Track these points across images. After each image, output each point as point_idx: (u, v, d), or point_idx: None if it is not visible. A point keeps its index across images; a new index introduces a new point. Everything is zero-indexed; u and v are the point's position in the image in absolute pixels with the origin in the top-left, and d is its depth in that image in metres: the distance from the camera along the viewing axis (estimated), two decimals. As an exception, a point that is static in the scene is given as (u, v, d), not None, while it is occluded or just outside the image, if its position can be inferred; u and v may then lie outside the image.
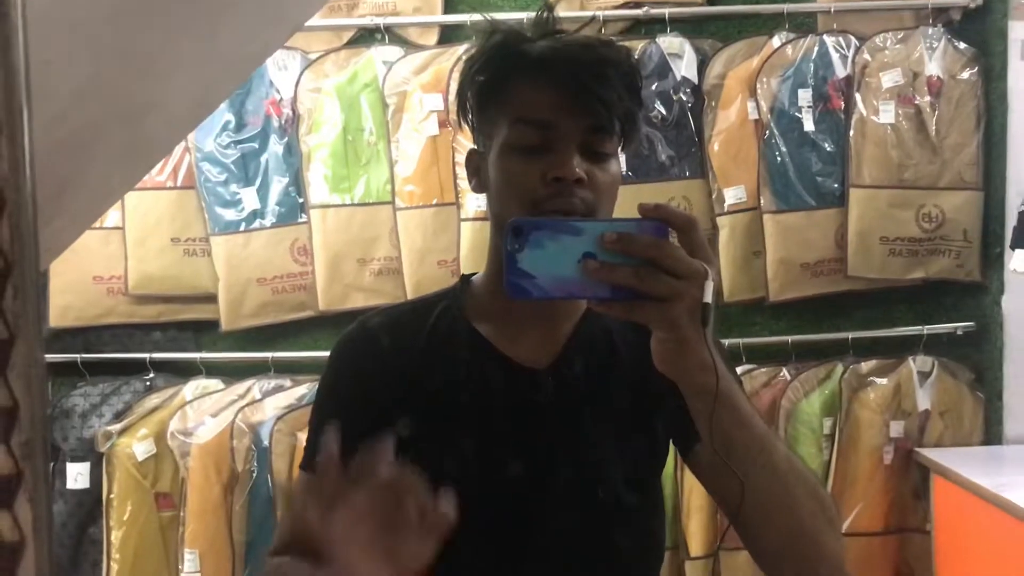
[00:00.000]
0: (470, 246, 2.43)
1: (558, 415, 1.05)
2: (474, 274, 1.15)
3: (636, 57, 1.01)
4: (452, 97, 2.45)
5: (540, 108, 0.98)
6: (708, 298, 0.79)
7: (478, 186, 1.08)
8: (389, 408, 1.03)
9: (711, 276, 0.80)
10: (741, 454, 0.88)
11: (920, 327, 2.52)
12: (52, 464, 2.48)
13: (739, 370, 2.42)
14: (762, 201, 2.47)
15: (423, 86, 2.47)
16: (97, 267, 2.51)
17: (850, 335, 2.53)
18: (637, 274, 0.79)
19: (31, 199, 0.47)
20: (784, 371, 2.50)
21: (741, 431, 0.87)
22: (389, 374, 1.06)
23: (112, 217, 2.48)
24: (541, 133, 0.98)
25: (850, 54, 2.48)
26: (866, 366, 2.51)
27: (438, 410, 1.05)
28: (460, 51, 2.48)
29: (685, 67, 2.48)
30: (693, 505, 2.42)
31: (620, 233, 0.80)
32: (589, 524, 1.05)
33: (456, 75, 2.44)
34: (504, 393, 1.05)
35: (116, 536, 2.44)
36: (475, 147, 1.09)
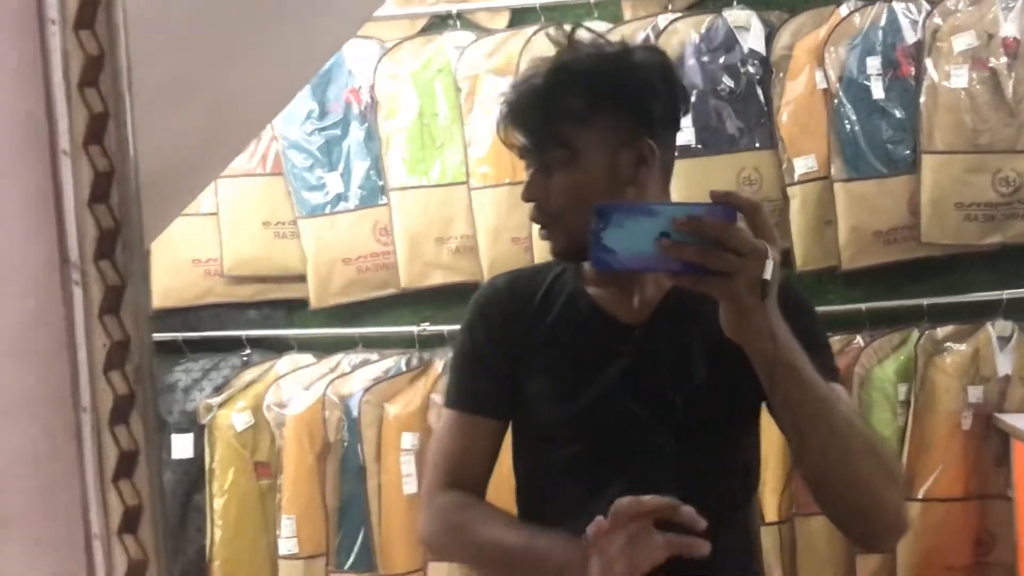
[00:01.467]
0: (543, 222, 2.51)
1: (649, 364, 1.19)
2: None
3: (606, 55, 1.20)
4: (522, 79, 2.52)
5: (505, 136, 1.23)
6: (767, 275, 0.91)
7: None
8: (508, 354, 1.23)
9: (772, 255, 0.91)
10: (799, 412, 0.99)
11: (999, 292, 2.50)
12: (158, 436, 2.66)
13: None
14: (832, 170, 2.48)
15: (494, 69, 2.55)
16: (195, 251, 2.67)
17: (925, 301, 2.52)
18: (704, 252, 0.90)
19: (135, 172, 0.57)
20: (858, 338, 2.51)
21: (799, 392, 0.98)
22: (510, 324, 1.24)
23: (207, 203, 2.64)
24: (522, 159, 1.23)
25: (920, 19, 2.46)
26: (942, 332, 2.50)
27: (547, 355, 1.22)
28: (529, 34, 2.55)
29: (752, 39, 2.51)
30: (767, 472, 2.45)
31: (690, 216, 0.91)
32: (669, 460, 1.18)
33: (525, 57, 2.52)
34: (602, 343, 1.20)
35: (218, 503, 2.60)
36: None
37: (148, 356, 0.56)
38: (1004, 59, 2.43)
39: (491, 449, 1.25)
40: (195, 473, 2.63)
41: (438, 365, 2.58)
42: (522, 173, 2.45)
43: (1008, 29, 2.43)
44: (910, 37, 2.46)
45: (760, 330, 0.93)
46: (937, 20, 2.45)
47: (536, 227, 2.50)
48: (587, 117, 1.16)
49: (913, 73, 2.46)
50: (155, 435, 0.56)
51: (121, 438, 0.55)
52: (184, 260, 2.67)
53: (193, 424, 2.62)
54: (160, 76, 1.11)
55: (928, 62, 2.45)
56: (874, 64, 2.44)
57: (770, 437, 2.29)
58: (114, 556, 0.55)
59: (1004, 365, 2.47)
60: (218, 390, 2.63)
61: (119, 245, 0.55)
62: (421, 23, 2.68)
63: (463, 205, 2.59)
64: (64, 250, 0.54)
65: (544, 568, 1.10)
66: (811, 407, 0.98)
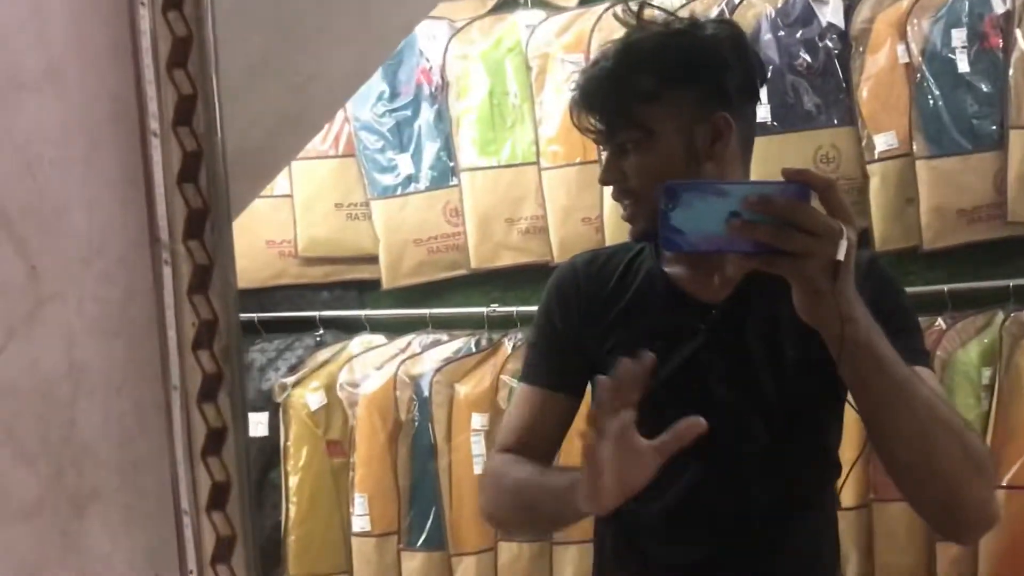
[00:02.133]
0: (613, 203, 2.48)
1: (721, 343, 1.18)
2: None
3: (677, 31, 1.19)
4: (593, 57, 2.50)
5: (578, 122, 1.23)
6: (841, 255, 0.87)
7: None
8: (585, 332, 1.25)
9: (847, 235, 0.88)
10: (877, 397, 0.96)
11: (1089, 273, 2.40)
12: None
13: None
14: (915, 147, 2.40)
15: (565, 47, 2.53)
16: (269, 232, 2.72)
17: (1011, 283, 2.42)
18: (775, 232, 0.88)
19: (222, 153, 0.57)
20: (940, 320, 2.44)
21: (878, 377, 0.95)
22: (587, 302, 1.26)
23: (281, 185, 2.68)
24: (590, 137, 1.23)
25: (1009, -12, 2.36)
26: (1029, 314, 2.41)
27: (625, 333, 1.22)
28: (600, 11, 2.52)
29: (831, 13, 2.44)
30: (844, 457, 2.40)
31: (761, 194, 0.89)
32: (747, 437, 1.18)
33: (596, 35, 2.50)
34: (679, 322, 1.20)
35: (293, 481, 2.65)
36: None
37: (236, 335, 0.57)
38: (1098, 29, 2.32)
39: (560, 426, 1.26)
40: (270, 451, 2.69)
41: (507, 346, 2.58)
42: (593, 152, 2.48)
43: (1104, -3, 2.33)
44: (999, 7, 2.36)
45: (834, 312, 0.90)
46: (1027, -11, 2.35)
47: (610, 207, 2.51)
48: (658, 95, 1.15)
49: (1001, 45, 2.36)
50: (242, 413, 0.57)
51: (209, 415, 0.56)
52: (258, 241, 2.72)
53: (268, 403, 2.67)
54: (242, 58, 1.12)
55: (1017, 33, 2.34)
56: (959, 36, 2.35)
57: (847, 420, 2.25)
58: (203, 532, 0.56)
59: (1094, 348, 2.37)
60: (292, 370, 2.68)
61: (208, 225, 0.56)
62: (491, 2, 2.66)
63: (533, 185, 2.58)
64: (154, 230, 0.55)
65: (557, 498, 1.11)
66: (888, 392, 0.96)
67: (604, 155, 1.20)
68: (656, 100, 1.15)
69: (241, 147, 1.26)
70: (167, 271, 0.55)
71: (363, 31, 1.32)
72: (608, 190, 2.43)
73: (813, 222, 0.87)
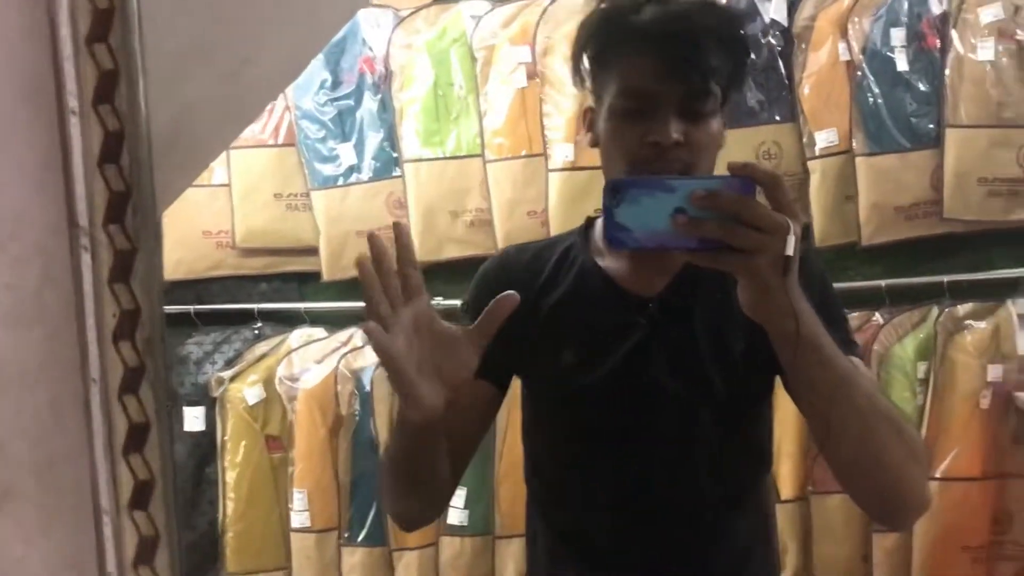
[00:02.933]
0: (558, 196, 2.48)
1: (661, 337, 1.16)
2: (598, 217, 1.27)
3: (740, 15, 1.12)
4: (539, 49, 2.49)
5: (640, 78, 1.08)
6: (790, 251, 0.86)
7: (592, 140, 1.19)
8: (515, 324, 1.16)
9: (794, 230, 0.87)
10: (821, 390, 0.95)
11: (1020, 269, 2.45)
12: (170, 407, 2.65)
13: (830, 315, 2.42)
14: (854, 144, 2.43)
15: (511, 39, 2.51)
16: (206, 222, 2.65)
17: (946, 278, 2.47)
18: (722, 228, 0.86)
19: (147, 133, 0.54)
20: (877, 315, 2.48)
21: (822, 370, 0.94)
22: (519, 293, 1.18)
23: (219, 174, 2.62)
24: (641, 100, 1.08)
25: (947, -10, 2.41)
26: (963, 309, 2.46)
27: (554, 326, 1.19)
28: (546, 3, 2.51)
29: (774, 9, 2.46)
30: (783, 451, 2.43)
31: (708, 190, 0.87)
32: (682, 433, 1.16)
33: (543, 26, 2.49)
34: (614, 315, 1.18)
35: (230, 476, 2.60)
36: (590, 104, 1.20)
37: (159, 326, 0.54)
38: (1031, 31, 2.38)
39: (478, 414, 1.20)
40: (207, 446, 2.63)
41: (451, 339, 2.56)
42: (539, 145, 2.47)
43: (1036, 0, 2.38)
44: (936, 8, 2.40)
45: (781, 308, 0.89)
46: (964, -10, 2.40)
47: (555, 201, 2.49)
48: (737, 72, 1.12)
49: (938, 45, 2.41)
50: (167, 408, 0.54)
51: (131, 410, 0.53)
52: (195, 232, 2.66)
53: (205, 397, 2.61)
54: (173, 41, 1.08)
55: (954, 34, 2.39)
56: (899, 36, 2.39)
57: (786, 414, 2.27)
58: (124, 532, 0.53)
59: (1024, 343, 2.43)
60: (230, 363, 2.62)
61: (130, 209, 0.53)
62: (436, -9, 2.64)
63: (478, 178, 2.56)
64: (72, 214, 0.52)
65: (407, 426, 1.00)
66: (833, 385, 0.95)
67: (659, 113, 1.06)
68: (732, 76, 1.10)
69: (173, 134, 1.22)
70: (86, 258, 0.52)
71: (302, 16, 1.28)
72: (554, 182, 2.45)
73: (760, 218, 0.86)
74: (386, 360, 0.88)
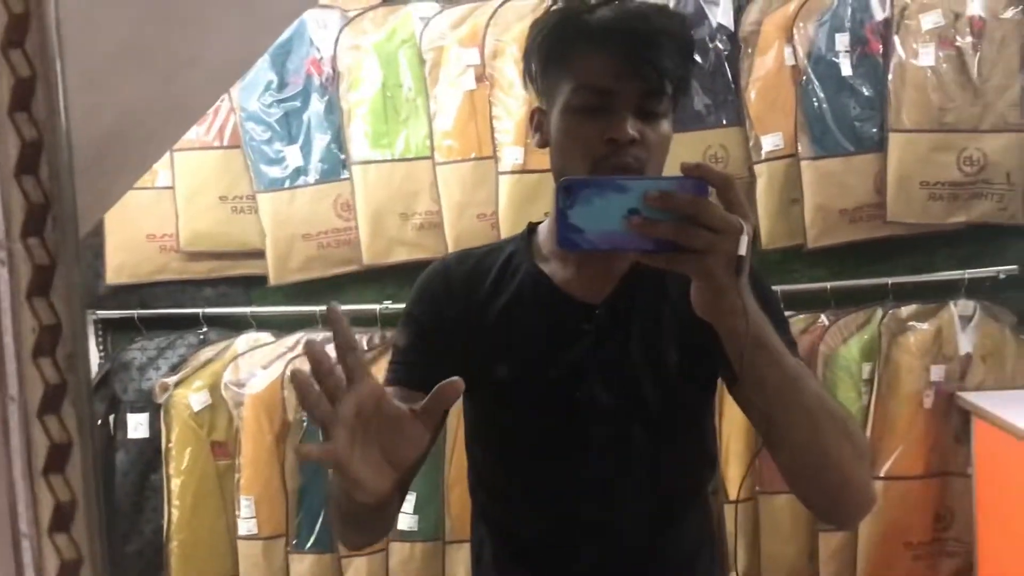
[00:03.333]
0: (508, 199, 2.47)
1: (607, 343, 1.15)
2: (541, 222, 1.27)
3: (688, 19, 1.10)
4: (489, 51, 2.48)
5: (599, 75, 1.07)
6: (742, 251, 0.86)
7: (541, 141, 1.17)
8: (457, 333, 1.17)
9: (746, 230, 0.87)
10: (771, 390, 0.96)
11: (962, 271, 2.51)
12: (113, 415, 2.60)
13: (777, 317, 2.45)
14: (799, 148, 2.47)
15: (459, 41, 2.50)
16: (150, 225, 2.60)
17: (890, 280, 2.52)
18: (677, 229, 0.86)
19: (67, 140, 0.52)
20: (823, 317, 2.51)
21: (771, 370, 0.95)
22: (459, 303, 1.19)
23: (163, 176, 2.57)
24: (599, 97, 1.07)
25: (889, -4, 2.45)
26: (906, 311, 2.50)
27: (499, 334, 1.17)
28: (496, 4, 2.50)
29: (721, 14, 2.48)
30: (732, 451, 2.46)
31: (662, 191, 0.87)
32: (630, 440, 1.16)
33: (492, 29, 2.48)
34: (560, 322, 1.16)
35: (175, 484, 2.55)
36: (539, 106, 1.18)
37: (82, 342, 0.52)
38: (970, 38, 2.43)
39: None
40: (151, 453, 2.58)
41: (401, 343, 2.54)
42: (488, 147, 2.46)
43: (974, 8, 2.43)
44: (879, 14, 2.44)
45: (734, 308, 0.89)
46: (905, -3, 2.44)
47: (505, 203, 2.48)
48: (687, 76, 1.11)
49: (881, 51, 2.45)
50: (90, 426, 0.52)
51: (52, 429, 0.51)
52: (138, 235, 2.61)
53: (149, 403, 2.56)
54: (111, 41, 1.05)
55: (896, 40, 2.44)
56: (843, 41, 2.43)
57: (734, 416, 2.29)
58: (45, 556, 0.51)
59: (966, 344, 2.48)
60: (174, 369, 2.58)
61: (49, 221, 0.51)
62: (385, -8, 2.62)
63: (428, 180, 2.54)
64: (-12, 226, 0.50)
65: (353, 502, 0.92)
66: (782, 384, 0.96)
67: (617, 110, 1.05)
68: (683, 79, 1.10)
69: (111, 136, 1.19)
70: (3, 272, 0.49)
71: (245, 15, 1.26)
72: (504, 185, 2.44)
73: (714, 218, 0.85)
74: (328, 464, 0.86)
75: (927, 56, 2.43)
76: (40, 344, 0.51)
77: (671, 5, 2.45)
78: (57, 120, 0.50)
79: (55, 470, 0.51)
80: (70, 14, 0.74)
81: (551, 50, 1.12)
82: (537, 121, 1.18)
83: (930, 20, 2.43)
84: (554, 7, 1.13)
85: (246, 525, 2.54)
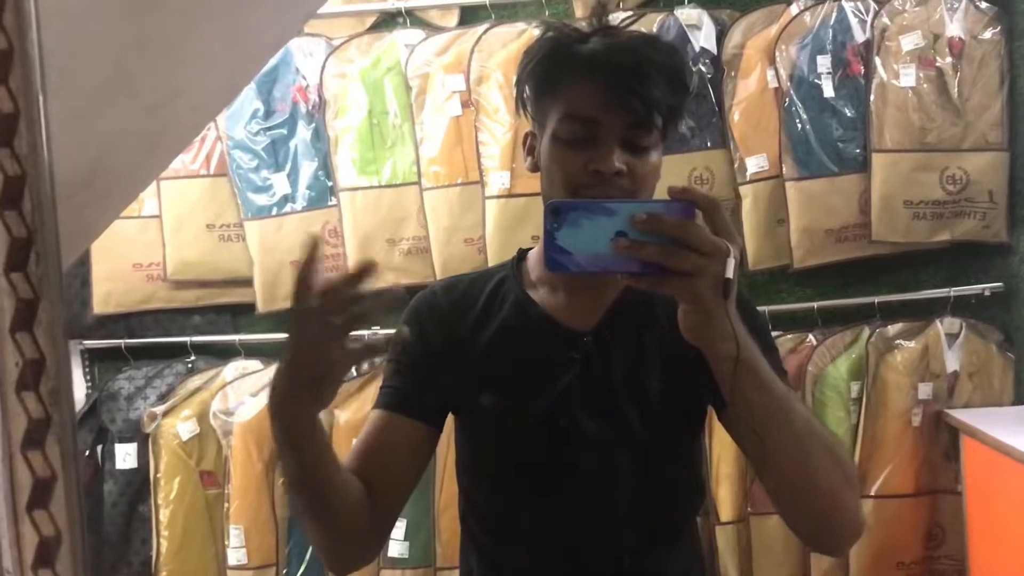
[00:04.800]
0: (495, 224, 2.48)
1: (594, 372, 1.15)
2: (531, 248, 1.27)
3: (681, 52, 1.10)
4: (474, 77, 2.49)
5: (586, 105, 1.07)
6: (730, 274, 0.87)
7: (533, 165, 1.18)
8: (445, 362, 1.17)
9: (733, 253, 0.87)
10: (760, 415, 0.96)
11: (947, 289, 2.52)
12: (101, 445, 2.58)
13: (765, 337, 2.46)
14: (784, 169, 2.48)
15: (445, 67, 2.51)
16: (136, 255, 2.60)
17: (876, 299, 2.53)
18: (664, 251, 0.86)
19: (49, 175, 0.52)
20: (810, 337, 2.52)
21: (760, 394, 0.95)
22: (447, 331, 1.19)
23: (149, 205, 2.57)
24: (586, 128, 1.07)
25: (869, 18, 2.47)
26: (893, 329, 2.52)
27: (488, 362, 1.17)
28: (480, 31, 2.52)
29: (704, 38, 2.50)
30: (722, 472, 2.45)
31: (649, 213, 0.87)
32: (620, 469, 1.15)
33: (477, 55, 2.49)
34: (549, 351, 1.16)
35: (164, 514, 2.54)
36: (532, 130, 1.18)
37: (66, 376, 0.52)
38: (949, 59, 2.46)
39: (411, 455, 1.16)
40: (139, 483, 2.57)
41: (390, 369, 2.53)
42: (475, 173, 2.47)
43: (953, 29, 2.46)
44: (859, 36, 2.47)
45: (722, 331, 0.89)
46: (885, 20, 2.47)
47: (492, 228, 2.48)
48: (677, 108, 1.11)
49: (863, 72, 2.48)
50: (74, 460, 0.52)
51: (36, 464, 0.51)
52: (125, 264, 2.60)
53: (137, 433, 2.55)
54: (96, 74, 1.06)
55: (877, 61, 2.46)
56: (824, 63, 2.45)
57: (724, 438, 2.28)
58: (29, 593, 0.51)
59: (952, 362, 2.49)
60: (162, 398, 2.57)
61: (33, 256, 0.51)
62: (370, 20, 2.63)
63: (415, 206, 2.55)
64: (-29, 261, 0.50)
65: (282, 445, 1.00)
66: (771, 409, 0.96)
67: (603, 142, 1.06)
68: (674, 112, 1.10)
69: (96, 167, 1.19)
70: (-14, 306, 0.49)
71: (229, 46, 1.26)
72: (491, 210, 2.44)
73: (701, 241, 0.86)
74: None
75: (908, 77, 2.46)
76: (23, 378, 0.51)
77: (655, 30, 2.48)
78: (40, 155, 0.51)
79: (39, 505, 0.51)
80: (54, 48, 0.75)
81: (542, 78, 1.13)
82: (530, 145, 1.18)
83: (910, 41, 2.46)
84: (548, 35, 1.14)
85: (236, 555, 2.52)
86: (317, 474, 1.02)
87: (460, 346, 1.18)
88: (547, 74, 1.12)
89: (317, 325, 0.90)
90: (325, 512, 1.06)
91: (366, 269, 0.91)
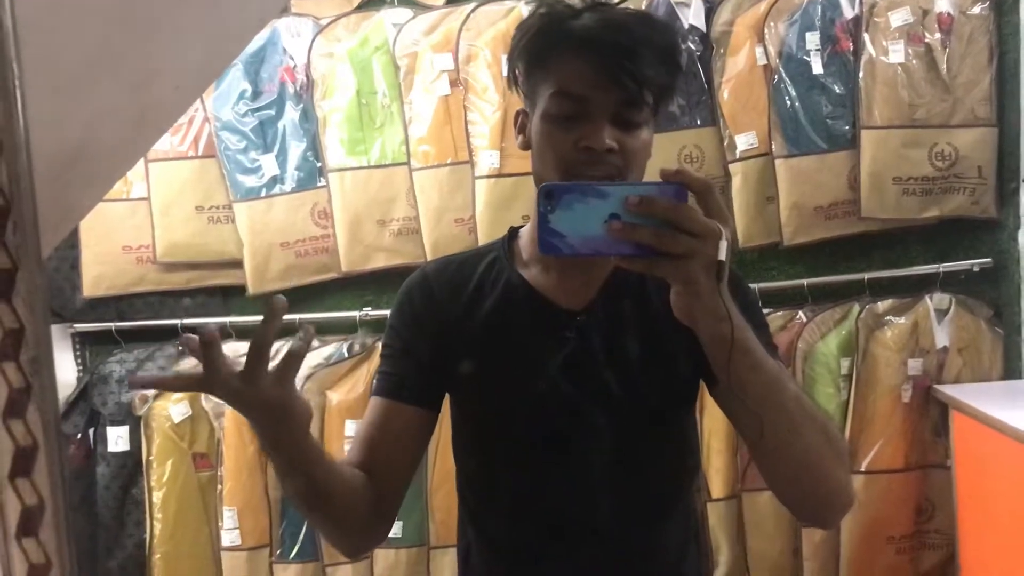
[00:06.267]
0: (485, 203, 2.48)
1: (588, 350, 1.15)
2: (521, 227, 1.27)
3: (674, 29, 1.11)
4: (462, 56, 2.49)
5: (577, 82, 1.07)
6: (722, 255, 0.87)
7: (524, 144, 1.18)
8: (440, 342, 1.18)
9: (726, 235, 0.88)
10: (753, 394, 0.96)
11: (936, 265, 2.53)
12: (93, 428, 2.58)
13: (755, 314, 2.46)
14: (773, 146, 2.48)
15: (433, 47, 2.50)
16: (126, 237, 2.59)
17: (866, 276, 2.54)
18: (657, 234, 0.86)
19: (25, 143, 0.52)
20: (800, 313, 2.53)
21: (753, 374, 0.96)
22: (441, 312, 1.20)
23: (138, 188, 2.56)
24: (576, 105, 1.07)
25: (857, -6, 2.47)
26: (882, 306, 2.52)
27: (483, 342, 1.18)
28: (468, 9, 2.51)
29: (693, 15, 2.49)
30: (713, 448, 2.47)
31: (642, 196, 0.87)
32: (615, 445, 1.16)
33: (465, 34, 2.49)
34: (541, 329, 1.17)
35: (157, 496, 2.54)
36: (523, 108, 1.18)
37: (46, 345, 0.52)
38: (938, 35, 2.45)
39: (413, 440, 1.19)
40: (132, 466, 2.57)
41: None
42: (464, 152, 2.46)
43: (942, 5, 2.46)
44: (848, 12, 2.47)
45: (715, 312, 0.90)
46: (874, -5, 2.46)
47: (482, 208, 2.47)
48: (669, 86, 1.11)
49: (852, 48, 2.47)
50: (56, 429, 0.52)
51: (17, 433, 0.51)
52: (115, 247, 2.59)
53: (129, 416, 2.55)
54: (78, 53, 1.05)
55: (866, 37, 2.46)
56: (813, 40, 2.45)
57: (716, 414, 2.29)
58: (12, 561, 0.51)
59: (942, 337, 2.50)
60: (154, 380, 2.56)
61: (10, 226, 0.51)
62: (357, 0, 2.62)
63: (404, 186, 2.54)
64: (-53, 231, 0.50)
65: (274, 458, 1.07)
66: (764, 387, 0.96)
67: (594, 118, 1.07)
68: (666, 89, 1.11)
69: (81, 147, 1.18)
70: (-37, 276, 0.49)
71: (212, 25, 1.26)
72: (481, 189, 2.44)
73: (694, 223, 0.86)
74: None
75: (897, 53, 2.45)
76: (3, 348, 0.51)
77: (645, 6, 2.47)
78: (16, 125, 0.51)
79: (21, 474, 0.51)
80: (33, 23, 0.74)
81: (533, 54, 1.13)
82: (521, 123, 1.18)
83: (899, 17, 2.46)
84: (540, 11, 1.14)
85: (229, 536, 2.52)
86: (319, 487, 1.06)
87: (454, 327, 1.19)
88: (539, 51, 1.12)
89: (248, 392, 0.94)
90: (332, 515, 1.11)
91: (275, 312, 0.94)
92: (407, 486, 1.19)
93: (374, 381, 1.23)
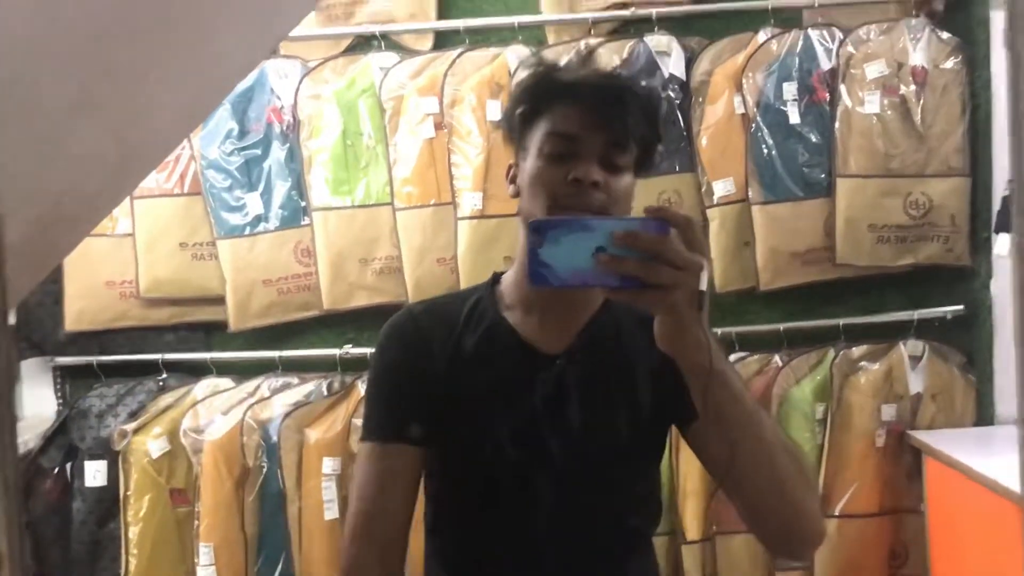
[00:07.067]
0: (467, 244, 2.51)
1: (561, 395, 1.19)
2: (504, 272, 1.31)
3: (658, 95, 1.21)
4: (447, 100, 2.53)
5: (569, 123, 1.16)
6: (703, 286, 0.92)
7: (515, 192, 1.24)
8: (425, 383, 1.21)
9: (706, 268, 0.92)
10: (731, 425, 1.00)
11: (911, 312, 2.57)
12: (71, 463, 2.58)
13: (732, 358, 2.49)
14: (750, 193, 2.53)
15: (419, 90, 2.55)
16: (110, 272, 2.61)
17: (841, 321, 2.57)
18: (643, 265, 0.91)
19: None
20: (776, 358, 2.56)
21: (732, 405, 1.00)
22: (426, 354, 1.22)
23: (123, 224, 2.58)
24: (568, 144, 1.15)
25: (834, 47, 2.52)
26: (857, 351, 2.56)
27: (466, 385, 1.20)
28: (454, 55, 2.55)
29: (673, 64, 2.54)
30: (688, 490, 2.48)
31: (628, 230, 0.92)
32: (583, 490, 1.18)
33: (450, 79, 2.53)
34: (518, 372, 1.20)
35: (133, 532, 2.53)
36: (514, 162, 1.25)
37: (9, 379, 0.54)
38: (913, 87, 2.51)
39: (411, 479, 1.20)
40: (109, 501, 2.56)
41: (360, 389, 2.55)
42: (447, 194, 2.49)
43: (916, 58, 2.52)
44: (825, 64, 2.52)
45: (697, 342, 0.94)
46: (850, 48, 2.52)
47: (464, 248, 2.50)
48: (653, 138, 1.19)
49: (828, 99, 2.53)
50: (16, 466, 0.54)
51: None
52: (98, 282, 2.61)
53: (107, 451, 2.55)
54: (62, 97, 1.08)
55: (842, 88, 2.51)
56: (790, 90, 2.50)
57: (690, 455, 2.31)
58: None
59: (916, 383, 2.54)
60: (133, 415, 2.56)
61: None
62: (345, 43, 2.66)
63: (388, 226, 2.57)
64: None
65: None
66: (743, 418, 1.00)
67: (583, 156, 1.14)
68: (650, 139, 1.18)
69: (64, 191, 1.21)
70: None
71: (195, 72, 1.28)
72: (463, 230, 2.47)
73: (677, 256, 0.90)
74: None
75: (872, 104, 2.51)
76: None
77: (626, 56, 2.52)
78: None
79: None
80: (16, 73, 0.77)
81: (528, 106, 1.21)
82: (512, 174, 1.24)
83: (875, 69, 2.51)
84: (537, 68, 1.23)
85: (205, 573, 2.51)
86: None
87: (438, 366, 1.21)
88: (532, 101, 1.20)
89: None
90: None
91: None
92: (411, 523, 1.20)
93: (366, 425, 1.23)
